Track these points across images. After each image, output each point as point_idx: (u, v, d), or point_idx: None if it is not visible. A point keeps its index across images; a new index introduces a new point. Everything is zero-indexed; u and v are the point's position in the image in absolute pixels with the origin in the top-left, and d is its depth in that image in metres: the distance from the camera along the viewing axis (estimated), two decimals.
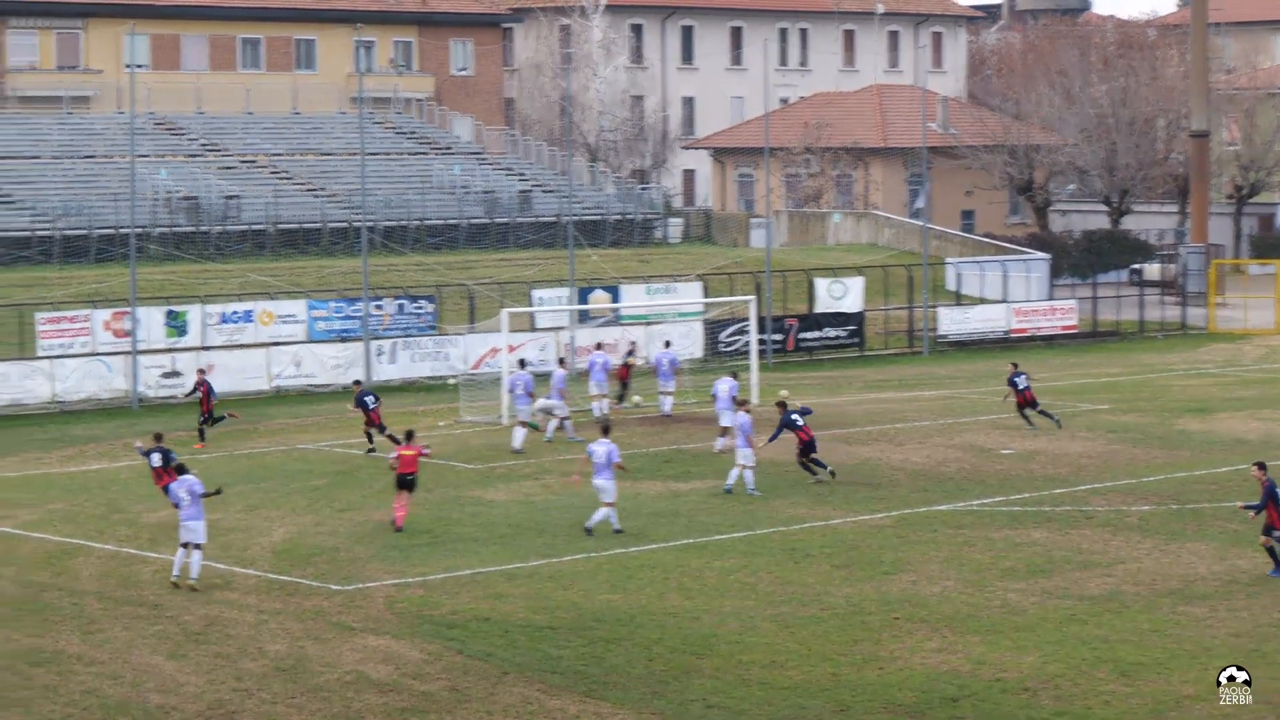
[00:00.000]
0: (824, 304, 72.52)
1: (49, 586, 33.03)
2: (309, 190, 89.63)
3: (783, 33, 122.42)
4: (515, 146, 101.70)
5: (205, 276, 73.09)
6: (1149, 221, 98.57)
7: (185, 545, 32.55)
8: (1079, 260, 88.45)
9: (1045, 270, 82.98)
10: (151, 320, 60.13)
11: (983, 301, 79.03)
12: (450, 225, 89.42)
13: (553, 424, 48.80)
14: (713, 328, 67.67)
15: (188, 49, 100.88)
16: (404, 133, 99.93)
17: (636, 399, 54.74)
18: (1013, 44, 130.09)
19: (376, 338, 62.57)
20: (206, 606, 31.11)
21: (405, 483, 37.12)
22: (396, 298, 65.33)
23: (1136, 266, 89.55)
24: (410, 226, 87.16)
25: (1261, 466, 33.13)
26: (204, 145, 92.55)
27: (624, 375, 55.80)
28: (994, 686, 26.35)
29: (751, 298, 60.79)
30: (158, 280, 70.44)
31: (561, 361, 54.47)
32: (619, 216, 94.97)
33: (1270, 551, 32.61)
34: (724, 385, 46.65)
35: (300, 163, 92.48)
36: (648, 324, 66.97)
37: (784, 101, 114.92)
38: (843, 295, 72.58)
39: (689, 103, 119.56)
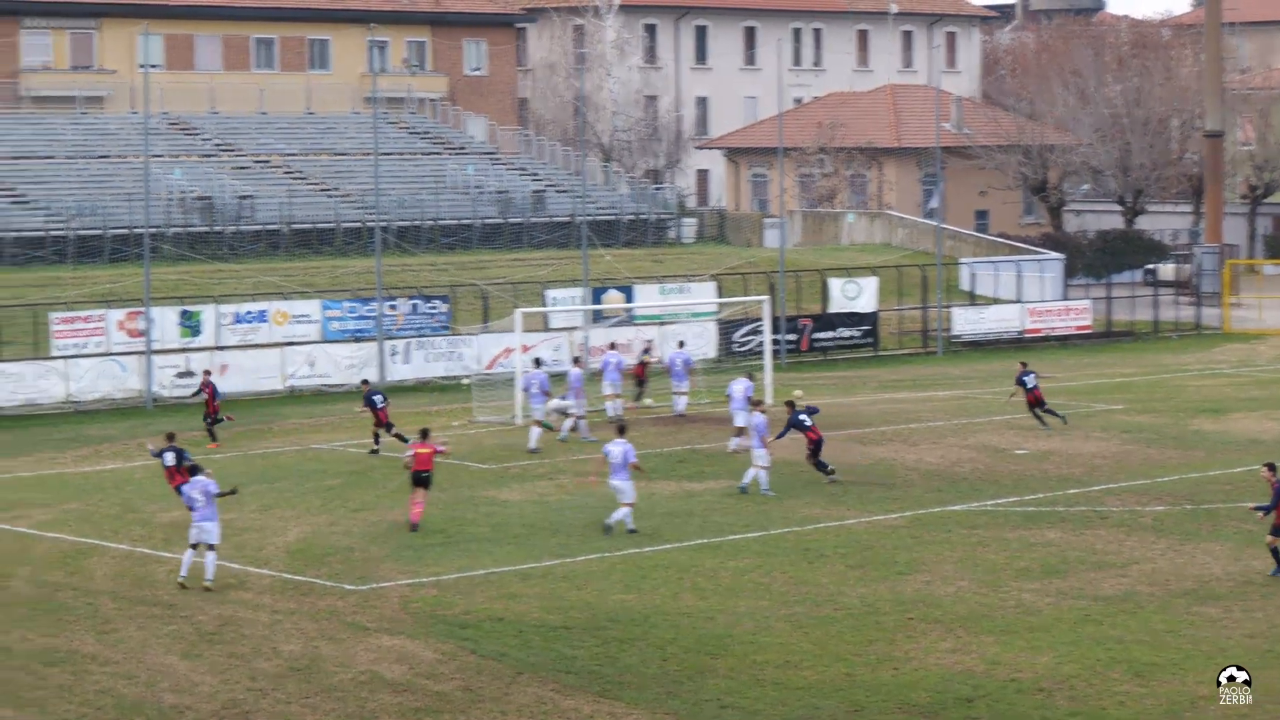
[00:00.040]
0: (838, 304, 72.49)
1: (64, 586, 33.06)
2: (323, 190, 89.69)
3: (796, 33, 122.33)
4: (529, 146, 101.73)
5: (219, 276, 73.17)
6: (1163, 222, 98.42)
7: (194, 546, 32.58)
8: (1093, 260, 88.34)
9: (1059, 270, 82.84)
10: (166, 320, 60.13)
11: (997, 302, 78.89)
12: (464, 225, 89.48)
13: (567, 423, 48.82)
14: (727, 328, 67.64)
15: (201, 49, 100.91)
16: (418, 133, 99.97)
17: (648, 400, 54.75)
18: (1027, 44, 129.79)
19: (390, 338, 62.57)
20: (221, 606, 31.13)
21: (421, 480, 37.12)
22: (410, 298, 65.31)
23: (1151, 267, 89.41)
24: (424, 226, 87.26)
25: (1272, 468, 33.02)
26: (218, 145, 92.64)
27: (640, 373, 55.83)
28: (1009, 687, 26.32)
29: (765, 298, 60.72)
30: (172, 280, 70.46)
31: (576, 360, 54.46)
32: (633, 216, 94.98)
33: (1275, 552, 32.55)
34: (739, 386, 46.67)
35: (314, 163, 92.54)
36: (661, 324, 66.93)
37: (798, 101, 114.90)
38: (857, 295, 72.52)
39: (703, 103, 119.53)
